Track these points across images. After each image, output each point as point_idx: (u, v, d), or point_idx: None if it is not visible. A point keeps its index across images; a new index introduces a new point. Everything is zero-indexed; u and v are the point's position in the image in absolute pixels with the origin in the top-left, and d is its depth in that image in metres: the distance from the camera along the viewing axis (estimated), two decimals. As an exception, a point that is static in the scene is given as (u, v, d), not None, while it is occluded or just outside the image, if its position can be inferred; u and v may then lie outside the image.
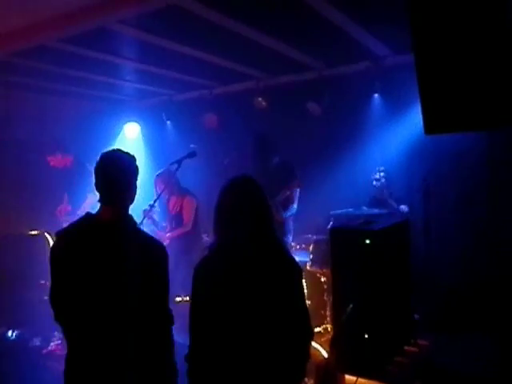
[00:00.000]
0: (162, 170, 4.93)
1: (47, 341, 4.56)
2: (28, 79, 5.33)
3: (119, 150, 2.37)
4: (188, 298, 5.64)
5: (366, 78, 5.19)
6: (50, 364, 4.18)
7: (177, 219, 5.05)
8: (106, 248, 2.26)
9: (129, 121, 6.72)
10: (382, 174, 5.18)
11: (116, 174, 2.29)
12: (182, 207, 5.04)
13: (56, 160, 5.09)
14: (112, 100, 6.69)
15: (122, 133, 6.72)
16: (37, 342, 4.62)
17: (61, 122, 5.92)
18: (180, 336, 2.54)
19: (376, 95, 5.30)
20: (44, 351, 4.43)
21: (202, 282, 2.09)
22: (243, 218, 2.06)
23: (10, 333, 4.78)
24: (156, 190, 4.87)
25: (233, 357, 2.01)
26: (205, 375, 2.06)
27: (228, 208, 2.10)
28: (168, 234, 5.03)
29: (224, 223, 2.10)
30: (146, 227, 4.75)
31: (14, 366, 4.36)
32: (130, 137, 6.76)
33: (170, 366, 2.38)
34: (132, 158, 2.35)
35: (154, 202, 4.03)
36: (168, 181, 4.57)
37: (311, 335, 2.18)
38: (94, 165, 2.32)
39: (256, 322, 2.00)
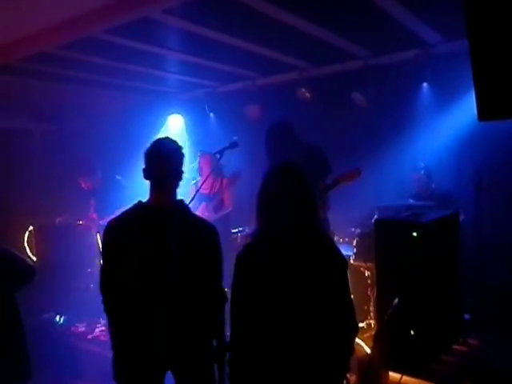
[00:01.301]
0: (201, 150, 5.00)
1: (92, 327, 4.69)
2: (75, 72, 5.45)
3: (169, 138, 2.45)
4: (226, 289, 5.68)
5: (414, 67, 5.00)
6: (93, 349, 4.30)
7: (213, 200, 5.08)
8: (161, 233, 2.30)
9: (172, 113, 6.78)
10: (422, 171, 4.97)
11: (168, 161, 2.36)
12: (221, 188, 5.08)
13: (87, 183, 5.19)
14: (156, 92, 6.76)
15: (165, 125, 6.79)
16: (82, 327, 4.76)
17: (106, 114, 6.05)
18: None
19: (425, 84, 5.11)
20: (89, 336, 4.55)
21: (244, 271, 2.06)
22: (287, 206, 2.00)
23: (57, 318, 4.96)
24: (199, 167, 4.95)
25: (274, 347, 1.97)
26: (245, 365, 2.03)
27: (271, 195, 2.05)
28: (203, 207, 5.08)
29: (267, 210, 2.05)
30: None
31: (60, 350, 4.53)
32: (174, 129, 6.82)
33: (221, 339, 2.43)
34: (180, 147, 2.43)
35: (203, 182, 4.07)
36: (208, 162, 4.62)
37: (356, 329, 2.10)
38: (145, 152, 2.38)
39: (299, 313, 1.95)
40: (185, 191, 3.76)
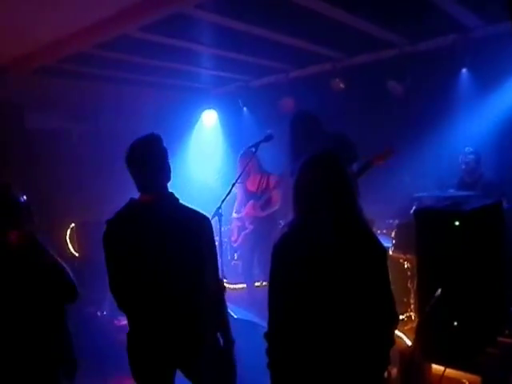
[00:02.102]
0: (242, 150, 5.02)
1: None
2: (112, 71, 5.57)
3: (144, 136, 2.34)
4: (265, 284, 5.65)
5: (452, 53, 4.88)
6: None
7: (261, 197, 5.11)
8: (149, 227, 2.29)
9: (206, 108, 6.83)
10: (471, 156, 4.87)
11: (145, 160, 2.30)
12: (268, 185, 5.11)
13: None
14: (190, 89, 6.82)
15: (199, 121, 6.85)
16: (123, 321, 4.85)
17: (142, 113, 6.15)
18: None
19: (464, 70, 4.97)
20: (130, 329, 4.65)
21: (282, 260, 2.04)
22: (325, 194, 1.96)
23: (98, 312, 5.09)
24: (238, 170, 4.98)
25: (313, 338, 1.95)
26: (284, 354, 2.02)
27: (309, 183, 2.00)
28: (251, 204, 5.13)
29: (305, 199, 2.02)
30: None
31: (102, 342, 4.64)
32: (208, 124, 6.88)
33: (227, 335, 2.42)
34: (157, 139, 2.34)
35: (237, 180, 4.03)
36: (250, 161, 4.65)
37: (396, 321, 2.06)
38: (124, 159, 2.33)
39: (337, 303, 1.91)
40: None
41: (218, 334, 2.42)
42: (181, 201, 2.38)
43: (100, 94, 5.93)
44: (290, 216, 2.10)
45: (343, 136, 3.92)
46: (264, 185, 5.14)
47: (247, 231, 5.15)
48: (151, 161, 2.31)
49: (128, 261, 2.34)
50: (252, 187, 5.18)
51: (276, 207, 5.14)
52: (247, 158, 4.82)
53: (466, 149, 4.88)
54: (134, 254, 2.31)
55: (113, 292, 2.43)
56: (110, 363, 4.42)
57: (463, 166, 4.91)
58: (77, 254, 5.87)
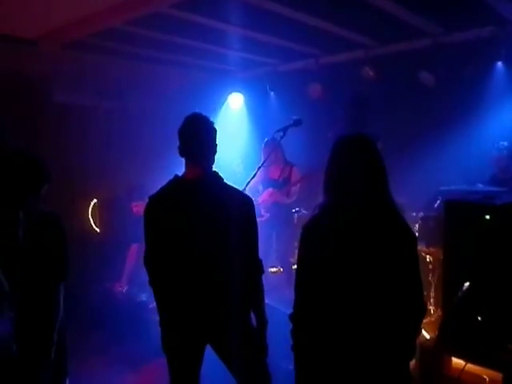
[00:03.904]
0: (268, 138, 4.98)
1: (152, 297, 4.81)
2: (140, 49, 5.55)
3: (200, 113, 2.46)
4: (274, 270, 5.67)
5: (489, 45, 4.75)
6: (154, 318, 4.43)
7: (282, 185, 5.11)
8: (193, 205, 2.34)
9: (233, 91, 6.80)
10: (505, 151, 4.74)
11: (197, 133, 2.40)
12: (290, 175, 5.10)
13: (139, 207, 5.01)
14: (218, 70, 6.79)
15: (226, 103, 6.82)
16: (144, 297, 4.92)
17: (168, 92, 6.13)
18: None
19: (499, 63, 4.85)
20: (150, 306, 4.69)
21: (311, 242, 2.03)
22: (356, 177, 1.93)
23: (120, 288, 5.16)
24: (263, 157, 4.95)
25: (339, 321, 1.93)
26: (308, 337, 2.01)
27: (341, 167, 1.98)
28: (270, 191, 5.08)
29: (336, 181, 1.99)
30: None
31: (122, 319, 4.71)
32: (234, 107, 6.85)
33: (260, 312, 2.44)
34: (212, 122, 2.46)
35: (262, 164, 4.02)
36: (274, 147, 4.61)
37: (424, 309, 2.03)
38: (178, 130, 2.43)
39: (368, 287, 1.89)
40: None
41: (252, 313, 2.44)
42: (225, 180, 2.43)
43: (128, 72, 5.92)
44: (320, 198, 2.08)
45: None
46: (286, 174, 5.14)
47: (263, 219, 5.12)
48: (204, 134, 2.41)
49: (170, 236, 2.37)
50: (274, 175, 5.16)
51: (293, 199, 5.16)
52: (272, 145, 4.81)
53: (500, 144, 4.76)
54: (178, 229, 2.35)
55: (148, 265, 2.46)
56: (128, 338, 4.52)
57: (496, 162, 4.79)
58: (98, 230, 5.93)
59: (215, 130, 2.46)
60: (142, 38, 5.06)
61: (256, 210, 5.39)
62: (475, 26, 4.78)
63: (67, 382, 2.84)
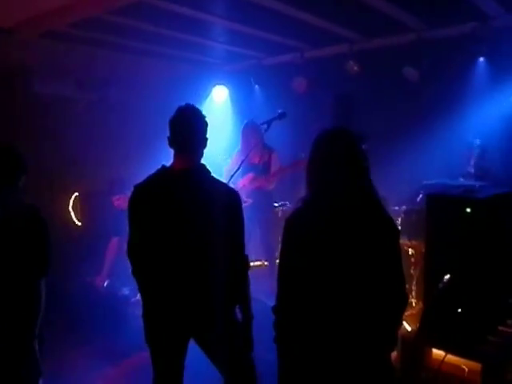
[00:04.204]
0: (248, 119, 4.94)
1: (135, 291, 4.77)
2: (122, 39, 5.45)
3: (193, 106, 2.45)
4: (258, 263, 5.63)
5: (471, 41, 4.80)
6: (135, 312, 4.40)
7: (263, 171, 5.05)
8: (178, 196, 2.32)
9: (217, 84, 6.76)
10: (478, 149, 4.78)
11: (191, 127, 2.39)
12: (269, 161, 5.05)
13: (120, 200, 4.93)
14: (202, 63, 6.73)
15: (210, 96, 6.78)
16: (126, 291, 4.88)
17: (150, 84, 6.06)
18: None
19: (481, 59, 4.90)
20: (132, 300, 4.66)
21: (294, 235, 2.03)
22: (339, 170, 1.95)
23: (101, 282, 5.10)
24: (243, 140, 4.91)
25: (322, 313, 1.95)
26: (291, 329, 2.02)
27: (323, 159, 1.99)
28: (250, 177, 5.00)
29: (318, 174, 2.00)
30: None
31: (103, 313, 4.66)
32: (218, 100, 6.81)
33: (246, 309, 2.43)
34: (204, 115, 2.45)
35: (247, 154, 4.00)
36: (253, 130, 4.57)
37: (406, 301, 2.06)
38: (170, 120, 2.42)
39: (348, 279, 1.91)
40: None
41: (237, 308, 2.44)
42: (212, 174, 2.42)
43: (110, 63, 5.84)
44: (303, 191, 2.08)
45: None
46: (266, 159, 5.09)
47: (245, 204, 5.05)
48: (195, 126, 2.41)
49: (155, 226, 2.34)
50: (254, 159, 5.07)
51: (272, 185, 5.10)
52: (252, 127, 4.77)
53: (473, 141, 4.81)
54: (162, 221, 2.32)
55: (131, 256, 2.44)
56: (109, 332, 4.47)
57: (470, 159, 4.84)
58: (79, 224, 5.86)
59: (206, 124, 2.45)
60: (124, 28, 4.97)
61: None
62: (458, 21, 4.83)
63: (41, 382, 2.79)
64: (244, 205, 4.90)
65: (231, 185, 4.46)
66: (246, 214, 5.05)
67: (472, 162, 4.82)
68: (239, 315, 2.45)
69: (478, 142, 4.78)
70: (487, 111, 4.90)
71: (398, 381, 3.02)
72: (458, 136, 5.00)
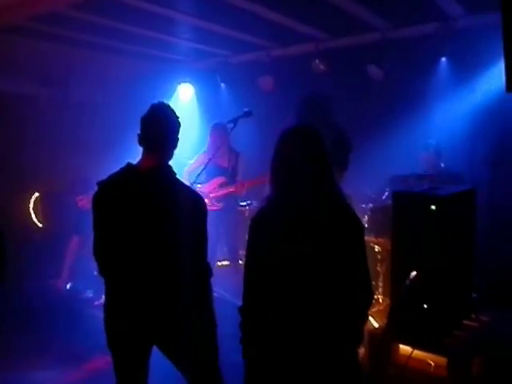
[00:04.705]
0: (217, 121, 4.89)
1: (99, 293, 4.66)
2: (85, 35, 5.30)
3: (167, 104, 2.42)
4: (226, 263, 5.58)
5: (433, 41, 4.89)
6: (98, 314, 4.28)
7: (232, 175, 5.03)
8: (144, 196, 2.26)
9: (183, 82, 6.67)
10: (432, 148, 4.85)
11: (163, 126, 2.35)
12: (237, 163, 5.03)
13: (84, 201, 4.81)
14: (167, 60, 6.62)
15: (175, 94, 6.68)
16: (89, 294, 4.75)
17: (114, 81, 5.94)
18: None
19: (443, 59, 4.99)
20: (96, 303, 4.54)
21: (259, 234, 2.01)
22: (302, 168, 1.93)
23: (66, 286, 4.96)
24: (211, 141, 4.84)
25: (288, 313, 1.93)
26: (258, 329, 1.99)
27: (287, 157, 1.98)
28: (220, 180, 4.98)
29: (282, 172, 1.99)
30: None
31: (65, 316, 4.52)
32: (184, 98, 6.72)
33: (209, 317, 2.39)
34: (177, 116, 2.42)
35: (213, 155, 3.94)
36: (224, 135, 4.53)
37: (371, 298, 2.06)
38: (141, 117, 2.37)
39: (313, 276, 1.90)
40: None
41: (201, 316, 2.37)
42: (177, 176, 2.37)
43: (71, 59, 5.68)
44: (267, 190, 2.06)
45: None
46: (233, 162, 5.06)
47: (215, 208, 4.99)
48: (166, 124, 2.36)
49: (119, 226, 2.28)
50: (223, 162, 5.04)
51: (244, 193, 5.05)
52: (220, 129, 4.72)
53: (428, 141, 4.88)
54: (127, 220, 2.26)
55: (96, 255, 2.36)
56: (73, 336, 4.34)
57: (424, 160, 4.89)
58: (40, 225, 5.68)
59: (179, 124, 2.41)
60: (85, 23, 4.82)
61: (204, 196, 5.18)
62: (421, 22, 4.91)
63: None
64: (213, 209, 4.92)
65: (196, 186, 4.47)
66: (215, 218, 5.06)
67: (426, 163, 4.88)
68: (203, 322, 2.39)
69: (432, 142, 4.85)
70: (449, 110, 5.01)
71: (366, 377, 3.05)
72: (419, 133, 5.09)
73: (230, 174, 5.02)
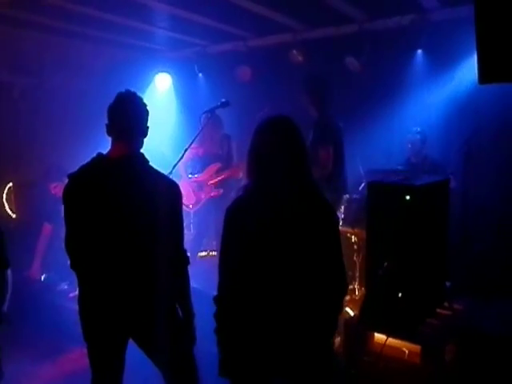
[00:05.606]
0: (207, 109, 4.88)
1: (74, 285, 4.60)
2: (59, 22, 5.16)
3: (134, 93, 2.37)
4: (213, 253, 5.56)
5: (409, 33, 4.93)
6: (73, 307, 4.23)
7: (227, 159, 5.06)
8: (116, 185, 2.23)
9: (160, 71, 6.58)
10: (417, 135, 4.98)
11: (129, 111, 2.31)
12: (230, 147, 5.07)
13: (58, 188, 4.68)
14: (143, 49, 6.52)
15: (152, 83, 6.60)
16: (64, 285, 4.69)
17: (90, 70, 5.84)
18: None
19: (419, 51, 5.07)
20: (70, 295, 4.48)
21: (235, 223, 2.01)
22: (279, 158, 1.95)
23: (41, 277, 4.87)
24: (206, 132, 4.84)
25: (263, 303, 1.95)
26: (233, 318, 2.00)
27: (263, 147, 1.99)
28: (215, 167, 5.00)
29: (259, 163, 2.00)
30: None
31: (40, 306, 4.46)
32: (161, 88, 6.64)
33: (186, 306, 2.36)
34: (144, 102, 2.38)
35: (195, 137, 3.89)
36: (219, 125, 4.67)
37: (346, 288, 2.10)
38: (108, 106, 2.33)
39: (289, 268, 1.92)
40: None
41: (178, 306, 2.36)
42: (150, 163, 2.33)
43: (45, 47, 5.55)
44: (244, 180, 2.06)
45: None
46: (226, 147, 5.08)
47: (215, 194, 5.01)
48: (134, 112, 2.32)
49: (90, 218, 2.24)
50: (217, 150, 5.05)
51: (241, 174, 5.03)
52: (215, 122, 4.71)
53: (414, 129, 5.00)
54: (98, 212, 2.22)
55: (68, 249, 2.32)
56: (48, 327, 4.29)
57: (409, 146, 5.03)
58: (13, 216, 5.57)
59: (147, 112, 2.37)
60: (59, 9, 4.69)
61: (197, 186, 5.19)
62: (397, 14, 4.93)
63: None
64: (213, 195, 4.90)
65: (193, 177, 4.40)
66: (215, 204, 4.89)
67: (411, 149, 5.01)
68: (180, 313, 2.38)
69: (417, 129, 4.96)
70: (425, 101, 5.09)
71: (341, 365, 3.09)
72: (396, 124, 5.18)
73: (225, 159, 5.06)
